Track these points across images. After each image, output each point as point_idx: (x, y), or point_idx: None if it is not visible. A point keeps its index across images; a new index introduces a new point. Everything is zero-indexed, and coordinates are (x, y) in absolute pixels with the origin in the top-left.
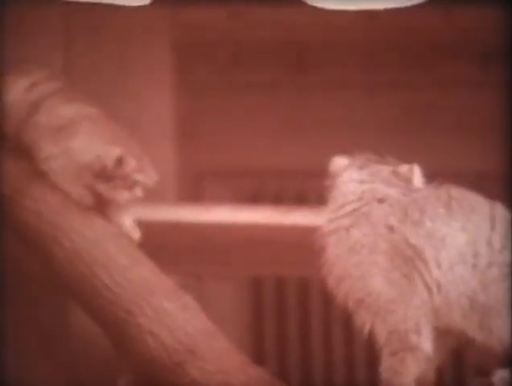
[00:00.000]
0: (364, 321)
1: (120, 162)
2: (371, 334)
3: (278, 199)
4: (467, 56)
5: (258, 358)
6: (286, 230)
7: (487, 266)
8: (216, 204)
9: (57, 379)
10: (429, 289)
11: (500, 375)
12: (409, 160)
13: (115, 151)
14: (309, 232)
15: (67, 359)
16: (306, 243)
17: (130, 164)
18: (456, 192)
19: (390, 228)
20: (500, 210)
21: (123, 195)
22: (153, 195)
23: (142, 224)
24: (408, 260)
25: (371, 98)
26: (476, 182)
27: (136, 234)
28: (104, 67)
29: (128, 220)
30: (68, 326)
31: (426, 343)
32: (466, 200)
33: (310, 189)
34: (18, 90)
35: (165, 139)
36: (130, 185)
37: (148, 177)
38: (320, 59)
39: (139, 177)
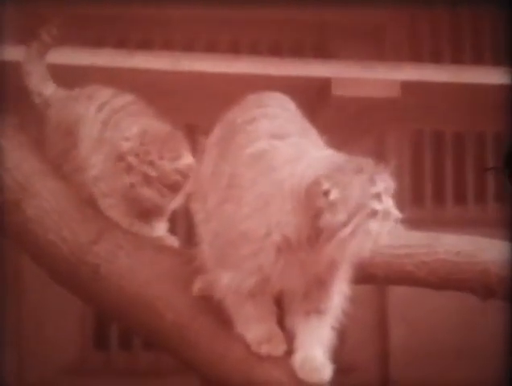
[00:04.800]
0: None
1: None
2: None
3: (120, 46)
4: None
5: None
6: (129, 72)
7: None
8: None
9: None
10: None
11: None
12: None
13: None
14: (151, 75)
15: None
16: (150, 85)
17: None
18: None
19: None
20: None
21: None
22: None
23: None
24: None
25: None
26: None
27: (175, 242)
28: None
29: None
30: None
31: None
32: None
33: (153, 35)
34: (90, 114)
35: None
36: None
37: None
38: None
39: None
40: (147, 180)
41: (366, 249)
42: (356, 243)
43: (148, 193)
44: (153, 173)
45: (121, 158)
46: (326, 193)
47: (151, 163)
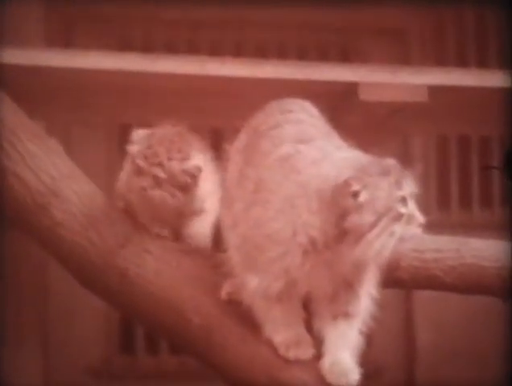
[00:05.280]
0: None
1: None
2: None
3: (146, 48)
4: None
5: None
6: (155, 77)
7: None
8: (85, 50)
9: None
10: None
11: None
12: None
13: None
14: (177, 79)
15: None
16: (176, 89)
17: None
18: None
19: None
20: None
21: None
22: (21, 39)
23: (9, 68)
24: None
25: None
26: None
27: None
28: None
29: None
30: None
31: None
32: None
33: (179, 38)
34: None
35: None
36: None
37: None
38: None
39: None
40: (158, 182)
41: (388, 252)
42: (379, 245)
43: (160, 195)
44: (162, 174)
45: (131, 162)
46: (355, 194)
47: (160, 165)
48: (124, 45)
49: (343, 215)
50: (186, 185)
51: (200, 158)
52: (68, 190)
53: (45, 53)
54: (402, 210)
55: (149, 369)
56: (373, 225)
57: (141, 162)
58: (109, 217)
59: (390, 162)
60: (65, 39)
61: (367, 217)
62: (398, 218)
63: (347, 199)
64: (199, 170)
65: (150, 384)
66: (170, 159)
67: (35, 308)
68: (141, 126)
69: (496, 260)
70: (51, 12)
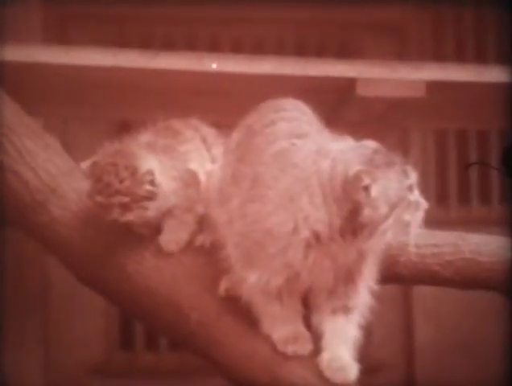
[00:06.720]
0: None
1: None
2: None
3: (143, 45)
4: None
5: None
6: (153, 73)
7: None
8: (83, 46)
9: None
10: None
11: None
12: None
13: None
14: (176, 77)
15: None
16: (173, 86)
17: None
18: None
19: None
20: None
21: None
22: (18, 36)
23: (6, 65)
24: None
25: None
26: None
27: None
28: None
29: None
30: None
31: None
32: None
33: (179, 35)
34: None
35: None
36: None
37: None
38: None
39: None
40: (125, 207)
41: (403, 240)
42: (392, 235)
43: (132, 216)
44: (125, 199)
45: (89, 198)
46: (366, 188)
47: (118, 192)
48: (120, 43)
49: (356, 209)
50: (150, 192)
51: (148, 162)
52: (66, 187)
53: (42, 50)
54: (411, 198)
55: (149, 365)
56: (387, 216)
57: (99, 198)
58: None
59: (372, 144)
60: (62, 39)
61: (381, 209)
62: (409, 206)
63: (359, 194)
64: (151, 173)
65: (151, 381)
66: (122, 181)
67: (35, 307)
68: (138, 122)
69: (494, 255)
70: (49, 11)
